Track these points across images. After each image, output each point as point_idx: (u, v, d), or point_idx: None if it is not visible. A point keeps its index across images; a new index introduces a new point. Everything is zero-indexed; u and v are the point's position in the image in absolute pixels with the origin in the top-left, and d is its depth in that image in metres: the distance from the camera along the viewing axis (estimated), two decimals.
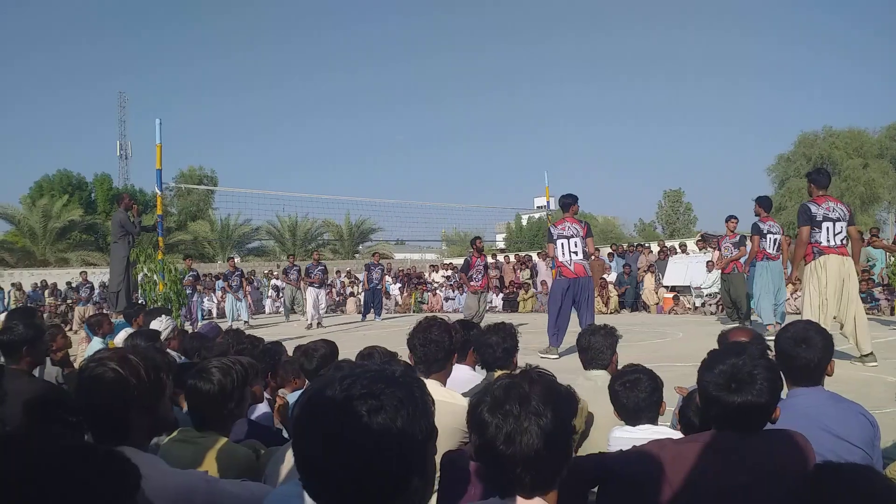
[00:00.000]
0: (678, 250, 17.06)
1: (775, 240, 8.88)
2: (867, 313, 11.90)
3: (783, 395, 2.50)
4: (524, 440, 1.32)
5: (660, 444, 1.88)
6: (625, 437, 2.55)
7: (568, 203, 8.22)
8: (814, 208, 6.46)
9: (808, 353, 2.37)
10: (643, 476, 1.79)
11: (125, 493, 1.02)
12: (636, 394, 2.51)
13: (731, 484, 1.71)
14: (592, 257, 8.34)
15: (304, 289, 15.14)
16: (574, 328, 7.89)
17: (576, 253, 7.90)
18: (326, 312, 14.30)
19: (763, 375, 1.76)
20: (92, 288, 18.55)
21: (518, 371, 1.48)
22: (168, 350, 4.32)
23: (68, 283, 21.18)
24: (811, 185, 6.70)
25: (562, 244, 7.92)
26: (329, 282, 15.39)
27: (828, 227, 6.38)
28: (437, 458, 2.27)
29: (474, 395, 1.47)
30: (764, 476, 1.71)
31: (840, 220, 6.43)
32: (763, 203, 9.21)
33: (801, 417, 2.25)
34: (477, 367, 3.48)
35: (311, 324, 13.83)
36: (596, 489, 1.97)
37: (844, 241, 6.47)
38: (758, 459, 1.73)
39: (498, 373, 3.09)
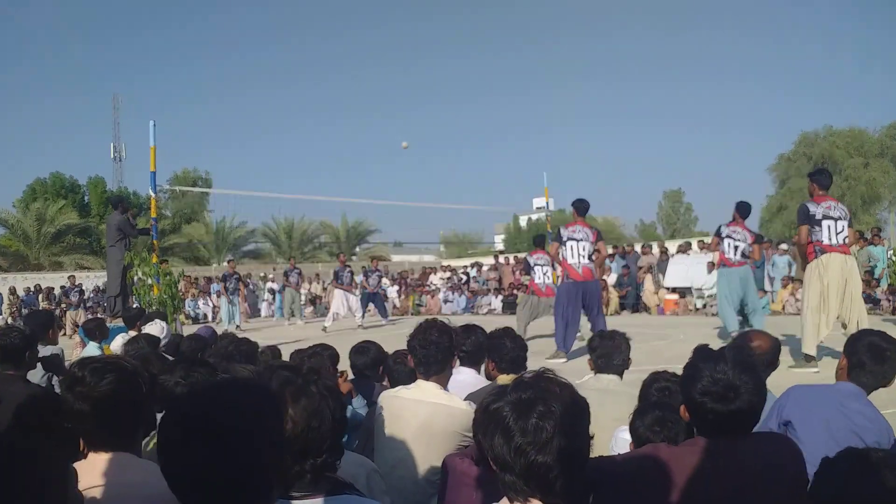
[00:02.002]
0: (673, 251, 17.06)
1: (736, 246, 8.32)
2: (870, 313, 11.91)
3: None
4: (542, 455, 1.29)
5: (656, 448, 1.89)
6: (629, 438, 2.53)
7: (586, 208, 8.28)
8: (812, 207, 6.45)
9: (885, 366, 2.54)
10: (639, 480, 1.79)
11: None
12: (669, 402, 2.48)
13: (727, 486, 1.72)
14: (602, 258, 8.24)
15: (331, 291, 14.98)
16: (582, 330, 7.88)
17: (584, 256, 7.90)
18: (320, 315, 14.14)
19: (749, 382, 1.77)
20: (81, 292, 18.45)
21: (532, 375, 1.44)
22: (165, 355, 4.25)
23: (62, 287, 21.10)
24: (813, 184, 6.69)
25: (571, 246, 7.90)
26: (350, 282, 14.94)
27: (829, 226, 6.35)
28: (439, 461, 2.27)
29: (485, 399, 1.42)
30: (759, 477, 1.72)
31: (841, 219, 6.40)
32: (741, 210, 8.50)
33: (836, 406, 2.45)
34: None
35: (326, 326, 13.47)
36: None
37: (846, 240, 6.44)
38: (752, 461, 1.74)
39: (503, 377, 3.08)
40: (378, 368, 3.64)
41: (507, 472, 1.33)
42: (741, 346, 2.99)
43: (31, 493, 1.03)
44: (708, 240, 17.77)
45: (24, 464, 1.04)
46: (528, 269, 10.21)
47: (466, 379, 3.22)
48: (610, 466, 1.89)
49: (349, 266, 14.72)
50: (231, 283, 15.65)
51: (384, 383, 3.52)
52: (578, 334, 8.31)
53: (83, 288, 19.05)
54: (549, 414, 1.31)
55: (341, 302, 13.79)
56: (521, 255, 22.44)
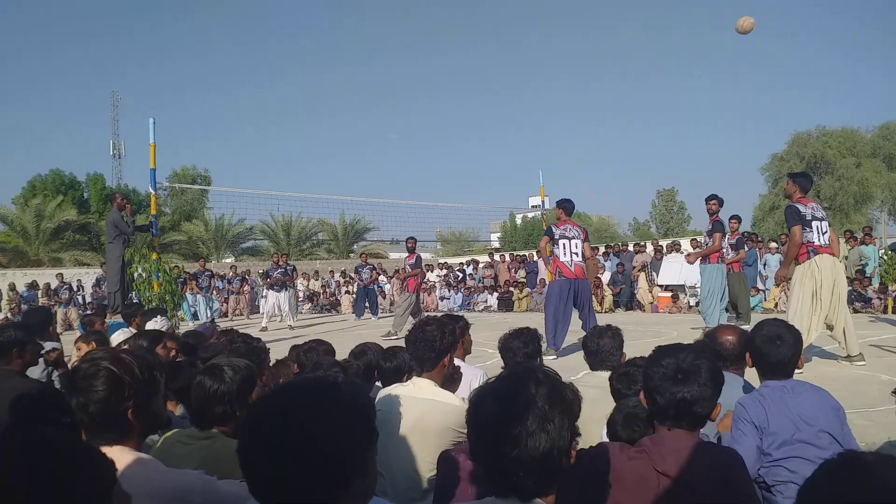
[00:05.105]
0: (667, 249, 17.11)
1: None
2: (861, 311, 12.02)
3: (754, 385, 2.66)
4: (529, 443, 1.29)
5: (601, 445, 1.92)
6: None
7: (572, 208, 8.41)
8: (802, 208, 6.42)
9: (782, 350, 2.53)
10: (590, 475, 1.80)
11: (101, 488, 1.05)
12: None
13: (675, 482, 1.74)
14: (588, 260, 8.37)
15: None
16: (574, 328, 7.93)
17: (576, 254, 8.01)
18: (317, 312, 14.04)
19: (706, 368, 1.85)
20: (71, 288, 18.46)
21: (514, 368, 1.45)
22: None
23: (47, 284, 21.08)
24: (795, 186, 6.63)
25: (563, 244, 8.01)
26: (290, 284, 14.49)
27: (817, 227, 6.35)
28: (433, 458, 2.33)
29: (473, 393, 1.43)
30: (702, 480, 1.74)
31: (824, 220, 6.42)
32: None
33: (774, 403, 2.42)
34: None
35: (265, 326, 13.24)
36: None
37: (829, 241, 6.46)
38: (696, 463, 1.77)
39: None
40: (374, 371, 3.66)
41: (497, 467, 1.32)
42: (707, 339, 3.07)
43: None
44: (701, 239, 17.85)
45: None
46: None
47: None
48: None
49: (282, 266, 14.51)
50: (203, 279, 15.73)
51: (377, 384, 3.56)
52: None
53: (72, 285, 19.01)
54: (532, 405, 1.30)
55: (273, 303, 13.87)
56: (517, 253, 22.51)
